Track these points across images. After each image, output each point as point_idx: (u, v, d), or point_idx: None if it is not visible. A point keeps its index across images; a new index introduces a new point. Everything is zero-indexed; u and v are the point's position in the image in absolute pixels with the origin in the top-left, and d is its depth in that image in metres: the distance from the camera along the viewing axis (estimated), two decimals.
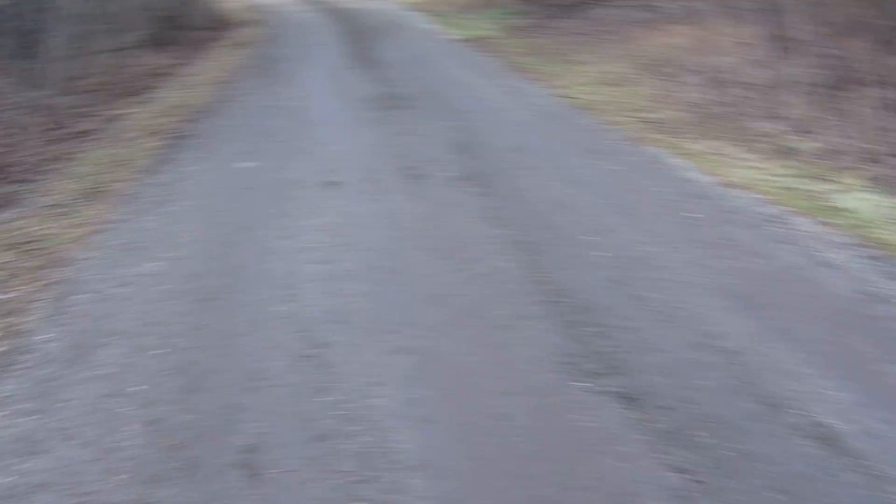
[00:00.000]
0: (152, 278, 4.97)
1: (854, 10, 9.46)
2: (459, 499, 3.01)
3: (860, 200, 6.34)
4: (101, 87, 10.84)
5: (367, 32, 17.31)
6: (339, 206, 6.21)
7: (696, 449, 3.25)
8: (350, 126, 8.93)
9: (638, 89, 10.72)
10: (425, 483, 3.08)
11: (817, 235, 5.57)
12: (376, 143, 8.16)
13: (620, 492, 3.03)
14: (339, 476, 3.11)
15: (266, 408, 3.59)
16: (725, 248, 5.35)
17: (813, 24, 10.16)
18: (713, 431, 3.36)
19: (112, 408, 3.59)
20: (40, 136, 8.10)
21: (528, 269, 5.02)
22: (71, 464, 3.21)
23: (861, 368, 3.88)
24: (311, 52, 14.70)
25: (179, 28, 15.98)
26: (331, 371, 3.88)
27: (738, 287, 4.75)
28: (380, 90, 10.88)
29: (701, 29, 15.08)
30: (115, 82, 11.13)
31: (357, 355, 4.04)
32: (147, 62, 12.93)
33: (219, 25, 18.31)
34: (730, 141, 8.05)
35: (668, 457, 3.20)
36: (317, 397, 3.66)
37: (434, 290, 4.78)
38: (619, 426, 3.42)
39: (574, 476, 3.12)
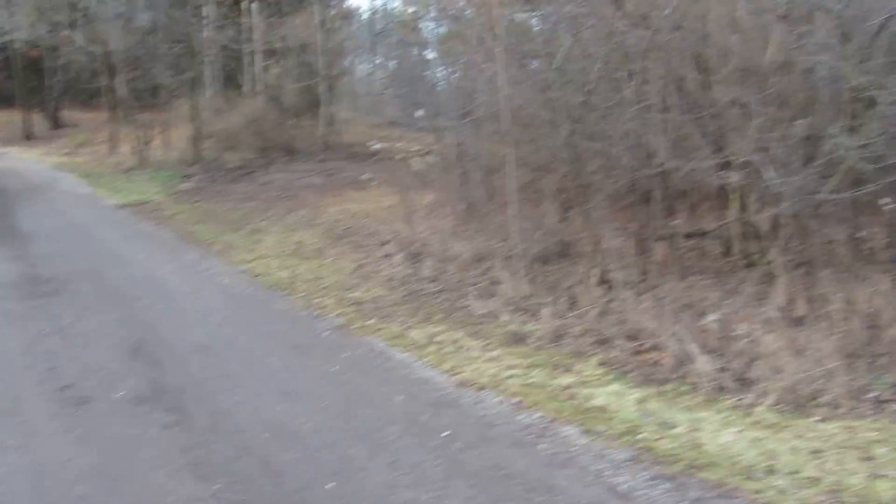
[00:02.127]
0: None
1: (545, 176, 9.15)
2: None
3: (611, 395, 5.47)
4: None
5: (5, 196, 14.56)
6: None
7: None
8: None
9: (333, 263, 9.50)
10: None
11: (596, 453, 4.52)
12: (17, 349, 5.97)
13: None
14: None
15: None
16: (502, 482, 4.09)
17: (498, 192, 9.76)
18: None
19: None
20: None
21: None
22: None
23: None
24: None
25: None
26: None
27: None
28: (23, 271, 8.55)
29: (376, 196, 14.56)
30: None
31: None
32: None
33: None
34: (450, 325, 6.99)
35: None
36: None
37: None
38: None
39: None
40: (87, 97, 32.02)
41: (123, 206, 13.89)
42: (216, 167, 18.09)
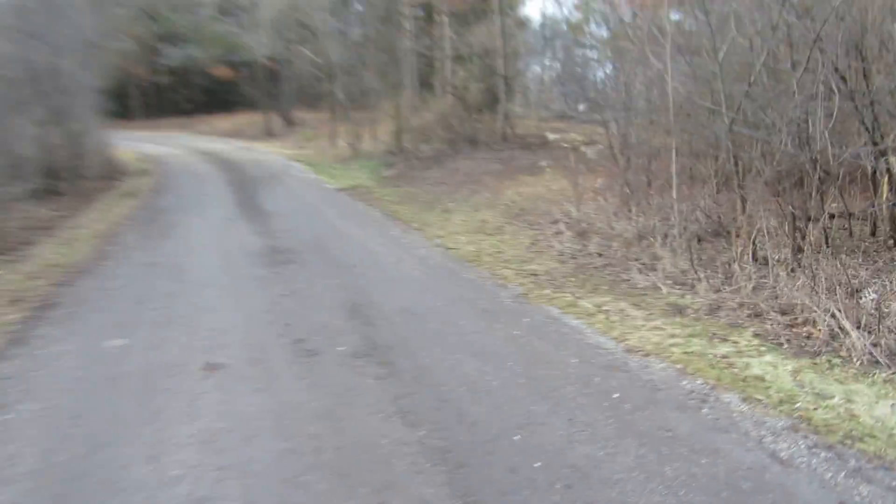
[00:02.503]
0: None
1: (702, 162, 8.59)
2: None
3: (767, 365, 5.03)
4: None
5: (251, 182, 15.47)
6: (220, 402, 4.26)
7: None
8: (234, 287, 6.98)
9: (511, 238, 9.40)
10: None
11: (756, 419, 4.14)
12: (262, 307, 6.25)
13: None
14: None
15: None
16: (669, 443, 3.82)
17: (658, 177, 9.27)
18: None
19: None
20: None
21: (460, 499, 3.28)
22: None
23: None
24: (198, 202, 12.67)
25: (68, 178, 13.60)
26: None
27: None
28: (265, 243, 9.00)
29: (546, 180, 14.30)
30: None
31: None
32: (29, 214, 10.55)
33: (109, 175, 15.96)
34: (616, 296, 6.71)
35: None
36: None
37: None
38: None
39: None
40: (313, 100, 33.69)
41: (341, 190, 14.41)
42: (413, 157, 18.43)
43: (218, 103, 40.59)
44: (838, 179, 7.36)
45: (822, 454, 3.72)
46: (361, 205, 12.46)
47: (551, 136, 19.20)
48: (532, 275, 7.49)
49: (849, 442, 3.86)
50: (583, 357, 5.09)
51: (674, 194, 7.50)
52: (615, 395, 4.42)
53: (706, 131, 7.61)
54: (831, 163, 5.84)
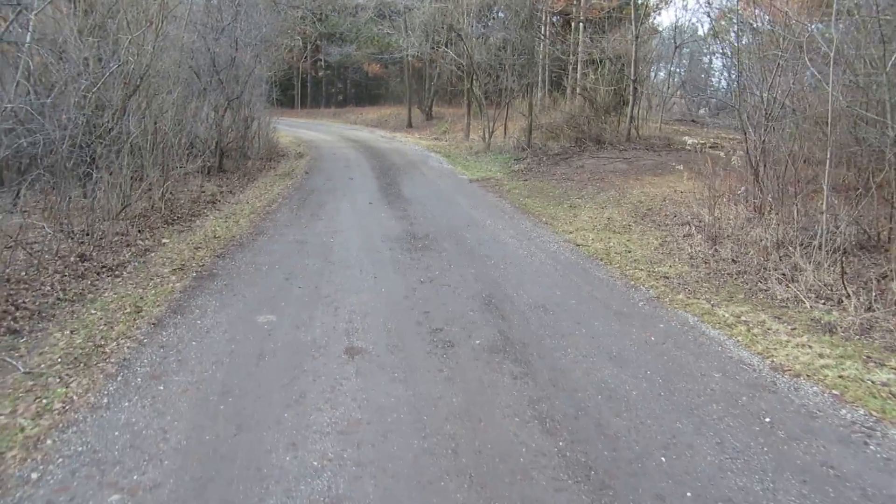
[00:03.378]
0: None
1: (858, 174, 7.45)
2: None
3: None
4: (152, 211, 8.72)
5: (392, 168, 15.34)
6: (359, 391, 3.93)
7: None
8: (376, 270, 6.69)
9: (639, 238, 8.61)
10: None
11: None
12: (402, 292, 5.92)
13: None
14: None
15: None
16: (835, 484, 3.12)
17: (797, 182, 8.16)
18: None
19: None
20: (62, 272, 5.89)
21: None
22: None
23: None
24: (344, 185, 12.63)
25: (235, 158, 13.97)
26: None
27: None
28: (405, 228, 8.72)
29: (671, 182, 13.25)
30: (167, 208, 9.00)
31: None
32: (201, 189, 10.84)
33: (270, 156, 16.34)
34: (753, 306, 5.88)
35: None
36: None
37: None
38: None
39: None
40: (451, 96, 33.57)
41: (473, 181, 13.99)
42: (542, 153, 17.71)
43: (367, 96, 41.43)
44: None
45: None
46: (492, 196, 11.97)
47: (690, 141, 17.92)
48: (664, 277, 6.76)
49: None
50: (726, 372, 4.39)
51: (824, 204, 6.50)
52: (766, 420, 3.73)
53: (865, 143, 6.53)
54: None
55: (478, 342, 4.71)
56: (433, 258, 7.16)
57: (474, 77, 21.12)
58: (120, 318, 5.00)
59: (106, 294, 5.61)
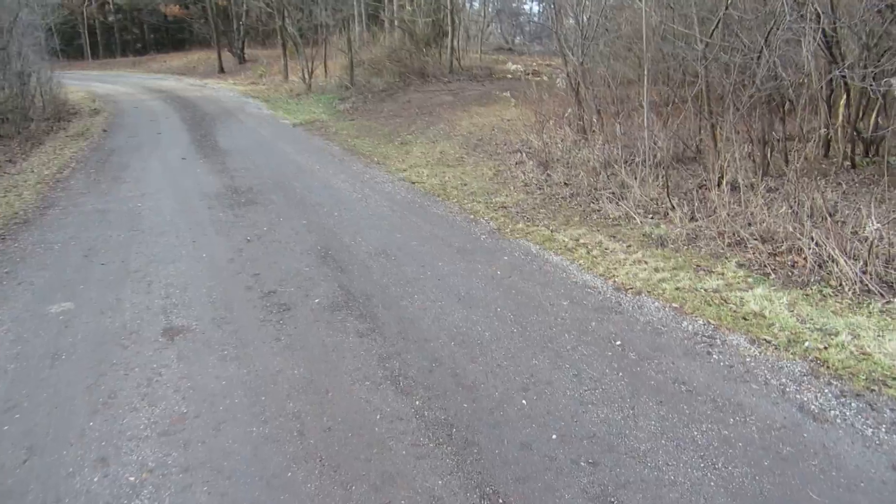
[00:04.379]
0: None
1: (674, 91, 7.75)
2: None
3: (761, 300, 4.38)
4: None
5: (205, 119, 14.00)
6: (182, 378, 3.36)
7: None
8: (194, 233, 5.94)
9: (473, 170, 8.49)
10: None
11: (771, 365, 3.49)
12: (226, 255, 5.28)
13: None
14: None
15: None
16: (688, 400, 3.14)
17: (617, 102, 8.41)
18: None
19: None
20: None
21: (476, 491, 2.52)
22: None
23: None
24: (152, 141, 11.27)
25: (13, 121, 11.95)
26: None
27: (748, 480, 2.51)
28: (225, 182, 7.89)
29: (497, 111, 13.30)
30: None
31: None
32: None
33: (58, 116, 14.24)
34: (590, 228, 5.96)
35: None
36: None
37: None
38: None
39: None
40: (264, 37, 31.46)
41: (297, 125, 13.14)
42: (366, 90, 17.09)
43: (169, 42, 37.74)
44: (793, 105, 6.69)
45: (853, 404, 3.11)
46: (319, 139, 11.29)
47: (513, 68, 18.07)
48: (502, 207, 6.67)
49: (875, 388, 3.24)
50: (573, 298, 4.34)
51: (644, 121, 6.68)
52: (617, 343, 3.71)
53: (678, 59, 6.73)
54: (815, 86, 5.05)
55: (317, 301, 4.28)
56: (259, 213, 6.51)
57: (286, 13, 19.76)
58: None
59: None
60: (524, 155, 8.81)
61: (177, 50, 35.93)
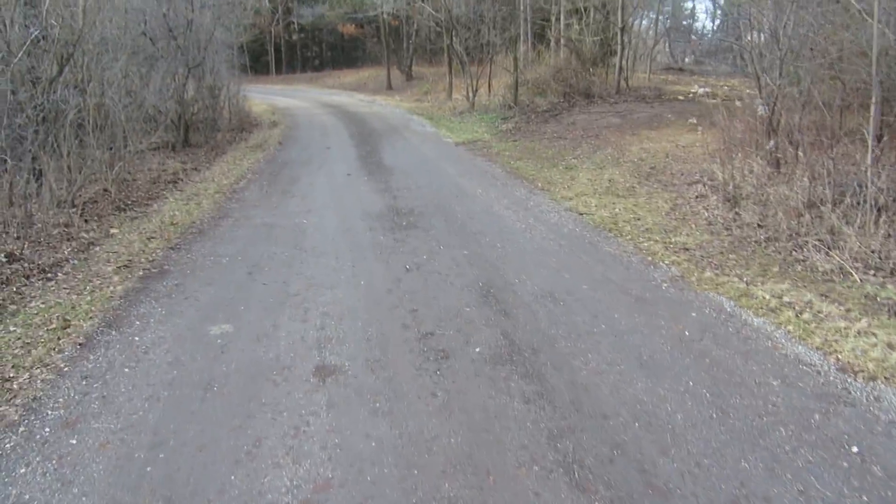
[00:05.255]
0: None
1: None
2: None
3: None
4: (102, 197, 7.70)
5: (372, 135, 14.25)
6: (331, 431, 3.03)
7: None
8: (354, 256, 5.75)
9: (647, 202, 7.70)
10: None
11: None
12: (384, 285, 4.99)
13: None
14: None
15: None
16: None
17: (827, 131, 7.25)
18: None
19: None
20: None
21: None
22: None
23: None
24: (321, 156, 11.56)
25: (202, 131, 12.84)
26: None
27: None
28: (387, 202, 7.75)
29: (670, 135, 12.31)
30: (120, 192, 7.98)
31: None
32: (161, 168, 9.78)
33: (241, 127, 15.18)
34: (794, 282, 5.02)
35: None
36: None
37: None
38: None
39: None
40: (431, 55, 32.20)
41: (459, 144, 12.97)
42: (529, 110, 16.66)
43: (344, 59, 39.84)
44: None
45: None
46: (481, 160, 10.98)
47: (703, 90, 16.93)
48: (683, 249, 5.88)
49: None
50: (784, 378, 3.54)
51: (868, 156, 5.61)
52: (854, 450, 2.88)
53: None
54: None
55: (478, 350, 3.82)
56: (420, 238, 6.22)
57: (454, 32, 19.89)
58: (41, 338, 4.07)
59: (32, 304, 4.66)
60: (706, 187, 7.89)
61: (350, 67, 37.82)
